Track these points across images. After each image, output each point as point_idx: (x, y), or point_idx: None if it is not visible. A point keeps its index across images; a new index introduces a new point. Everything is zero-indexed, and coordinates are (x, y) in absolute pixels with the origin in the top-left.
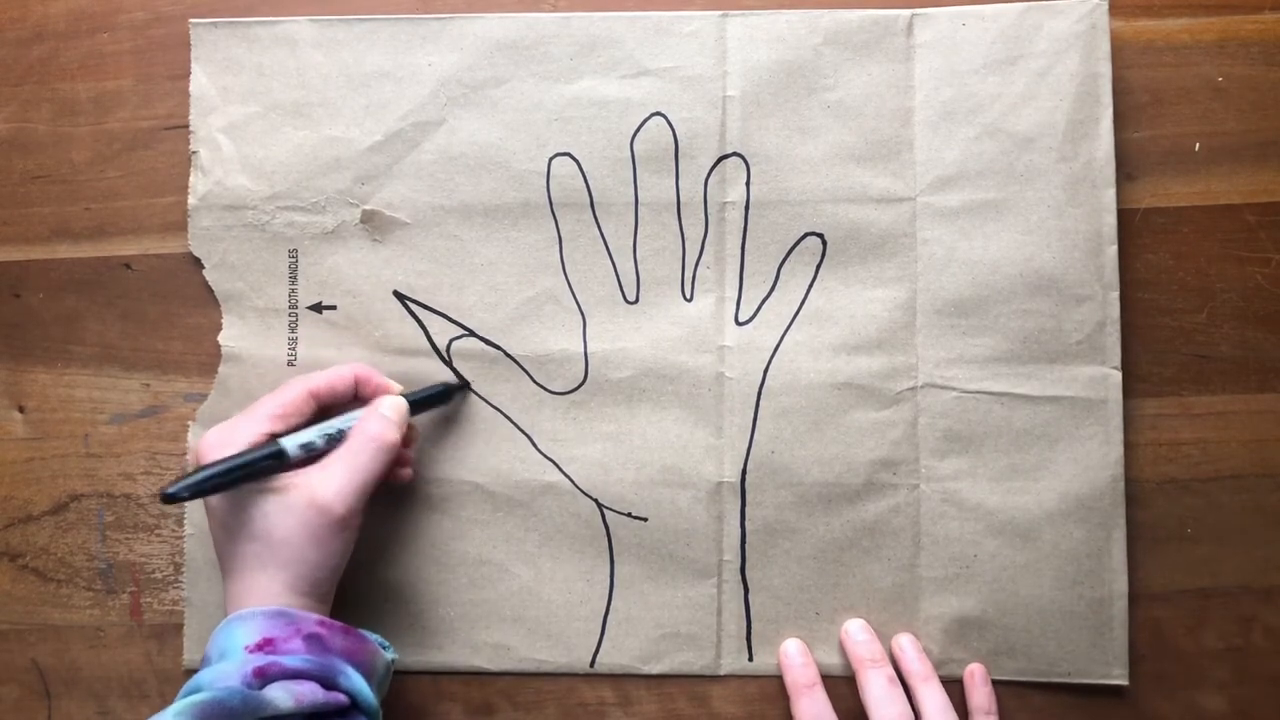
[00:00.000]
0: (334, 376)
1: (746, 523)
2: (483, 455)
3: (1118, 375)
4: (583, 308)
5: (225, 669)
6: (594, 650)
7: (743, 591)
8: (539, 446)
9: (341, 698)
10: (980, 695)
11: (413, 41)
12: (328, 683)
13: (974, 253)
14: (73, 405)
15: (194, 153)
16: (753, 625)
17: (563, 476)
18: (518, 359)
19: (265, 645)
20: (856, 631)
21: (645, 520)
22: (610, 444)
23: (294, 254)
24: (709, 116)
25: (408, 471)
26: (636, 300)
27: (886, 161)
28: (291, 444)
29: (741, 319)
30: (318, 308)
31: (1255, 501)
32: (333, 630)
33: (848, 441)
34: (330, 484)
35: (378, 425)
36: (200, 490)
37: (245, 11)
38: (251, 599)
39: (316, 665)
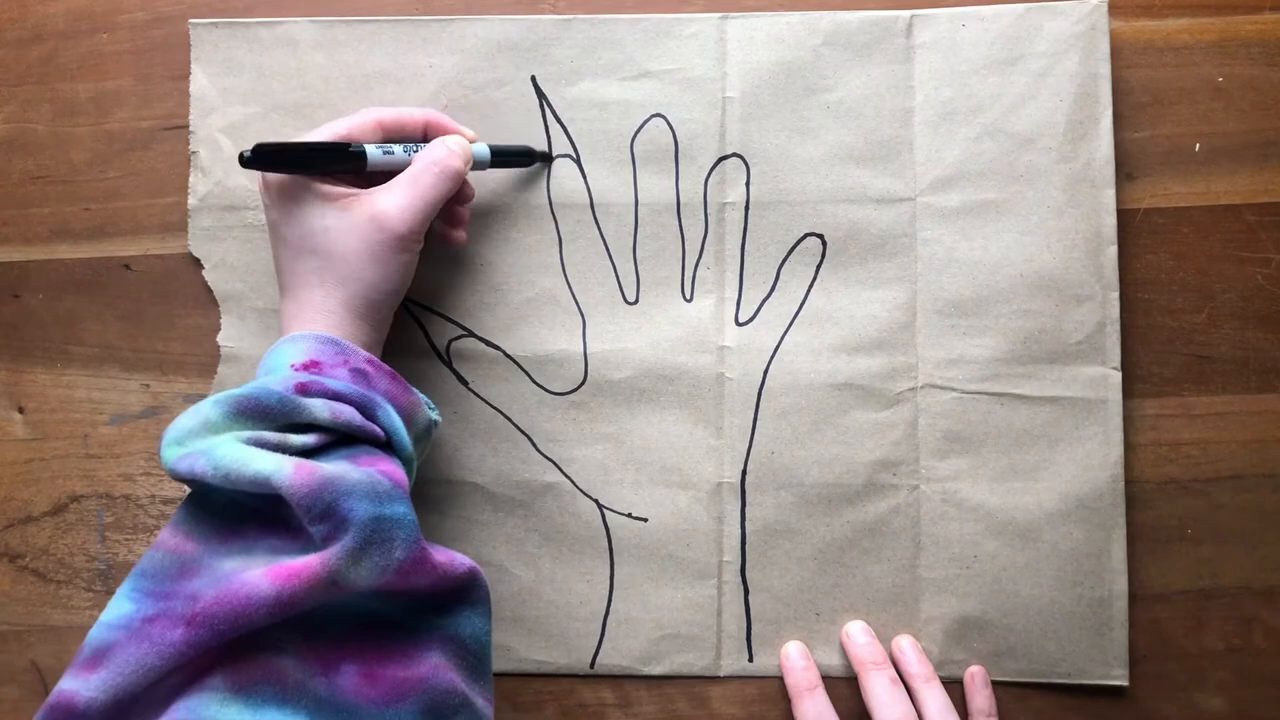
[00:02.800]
0: (404, 113)
1: (746, 523)
2: (483, 456)
3: (1117, 375)
4: (582, 308)
5: (267, 381)
6: (594, 651)
7: (743, 592)
8: (539, 447)
9: (378, 430)
10: (980, 698)
11: (414, 43)
12: (367, 413)
13: (974, 253)
14: (72, 406)
15: (194, 153)
16: (753, 626)
17: (563, 477)
18: (517, 359)
19: (311, 366)
20: (857, 634)
21: (645, 521)
22: (610, 444)
23: None
24: (709, 117)
25: (461, 234)
26: (636, 301)
27: (886, 162)
28: (373, 149)
29: (741, 319)
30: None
31: (1256, 502)
32: (379, 370)
33: (848, 442)
34: (393, 201)
35: (442, 150)
36: (277, 160)
37: (245, 12)
38: (305, 317)
39: (358, 394)
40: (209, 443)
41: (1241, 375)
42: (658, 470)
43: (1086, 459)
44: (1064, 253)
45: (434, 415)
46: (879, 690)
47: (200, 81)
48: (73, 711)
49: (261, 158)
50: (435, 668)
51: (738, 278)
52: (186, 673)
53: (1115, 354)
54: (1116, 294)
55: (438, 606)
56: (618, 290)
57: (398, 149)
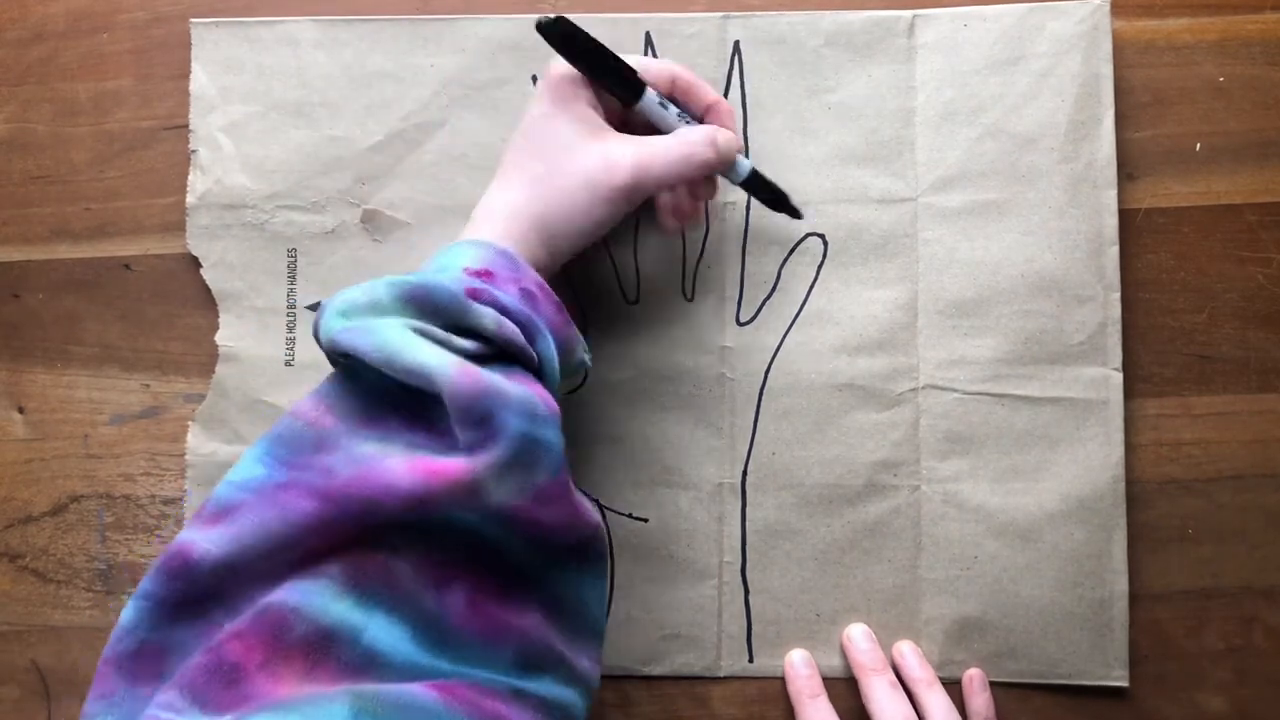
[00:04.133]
0: (701, 84)
1: (747, 524)
2: None
3: (1119, 376)
4: (583, 308)
5: (440, 276)
6: None
7: (743, 593)
8: None
9: (534, 355)
10: (979, 701)
11: (415, 42)
12: (529, 335)
13: (975, 253)
14: (72, 406)
15: (193, 152)
16: (753, 627)
17: None
18: None
19: (484, 275)
20: (859, 639)
21: (646, 521)
22: (611, 444)
23: (293, 253)
24: None
25: (674, 225)
26: (637, 300)
27: (888, 162)
28: (652, 94)
29: (742, 319)
30: (317, 307)
31: (1256, 502)
32: (547, 296)
33: (849, 443)
34: (632, 154)
35: (706, 137)
36: (568, 40)
37: (246, 11)
38: (496, 217)
39: (524, 314)
40: (376, 322)
41: (1242, 375)
42: (658, 470)
43: (1087, 460)
44: (1065, 253)
45: (586, 358)
46: (879, 695)
47: (200, 80)
48: (188, 560)
49: (558, 30)
50: (536, 624)
51: (739, 278)
52: (304, 554)
53: (1116, 355)
54: (1118, 295)
55: (555, 557)
56: (618, 290)
57: (673, 110)
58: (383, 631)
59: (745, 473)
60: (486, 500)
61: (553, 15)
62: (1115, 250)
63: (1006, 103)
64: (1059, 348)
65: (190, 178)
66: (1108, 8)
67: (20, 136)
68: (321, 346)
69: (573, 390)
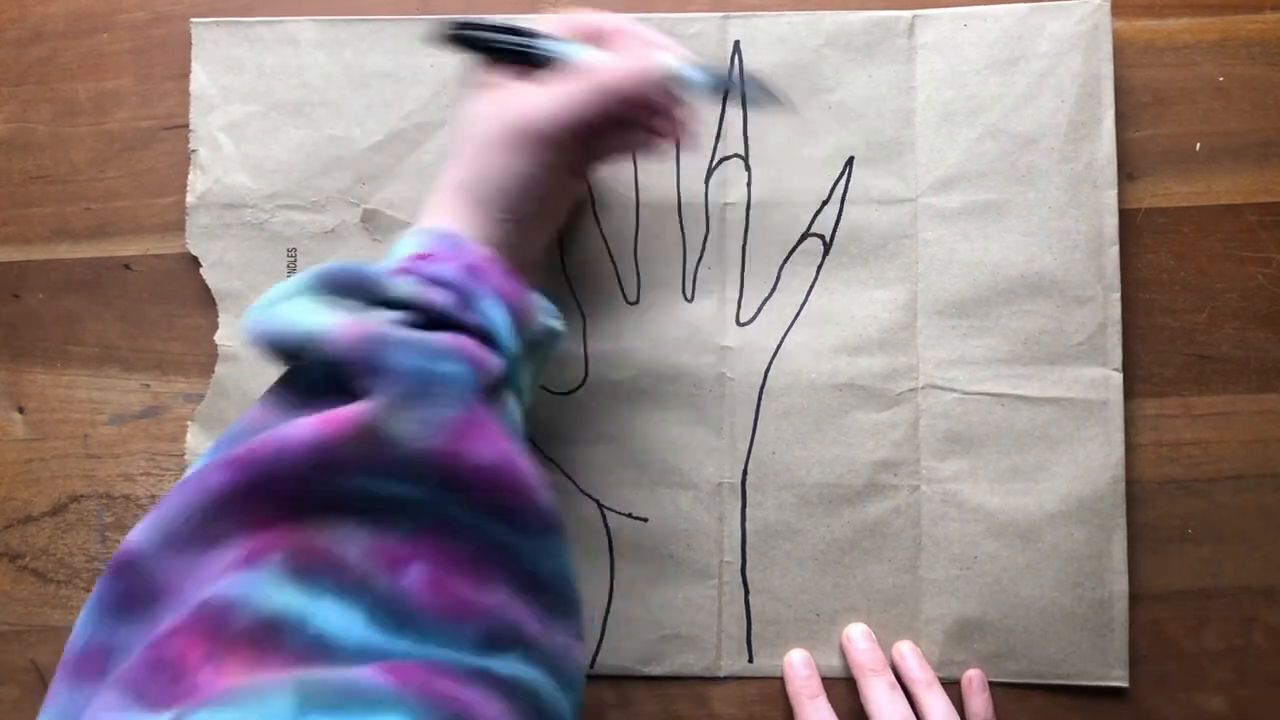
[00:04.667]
0: (606, 18)
1: (747, 524)
2: None
3: (1119, 377)
4: (583, 308)
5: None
6: (594, 651)
7: (743, 593)
8: (539, 446)
9: (476, 320)
10: (978, 702)
11: (414, 42)
12: (466, 300)
13: (975, 254)
14: (72, 406)
15: (193, 151)
16: (753, 627)
17: (563, 476)
18: None
19: (422, 259)
20: (859, 639)
21: (646, 521)
22: (611, 444)
23: (293, 253)
24: (710, 117)
25: (666, 141)
26: (637, 301)
27: (888, 162)
28: (547, 42)
29: (742, 320)
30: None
31: (1256, 502)
32: (494, 266)
33: (848, 442)
34: (535, 96)
35: (608, 62)
36: (477, 43)
37: (246, 11)
38: (437, 207)
39: (458, 281)
40: (284, 304)
41: (1242, 375)
42: (658, 470)
43: (1087, 460)
44: (1065, 254)
45: (555, 324)
46: (878, 696)
47: (200, 80)
48: (125, 555)
49: (447, 30)
50: (503, 601)
51: (739, 278)
52: (249, 550)
53: (1116, 355)
54: (1118, 295)
55: (520, 525)
56: (619, 290)
57: (577, 48)
58: (333, 616)
59: (745, 472)
60: (387, 440)
61: (449, 23)
62: (1115, 250)
63: (1006, 103)
64: (1059, 348)
65: (190, 177)
66: (1108, 7)
67: (20, 136)
68: (252, 346)
69: (572, 390)
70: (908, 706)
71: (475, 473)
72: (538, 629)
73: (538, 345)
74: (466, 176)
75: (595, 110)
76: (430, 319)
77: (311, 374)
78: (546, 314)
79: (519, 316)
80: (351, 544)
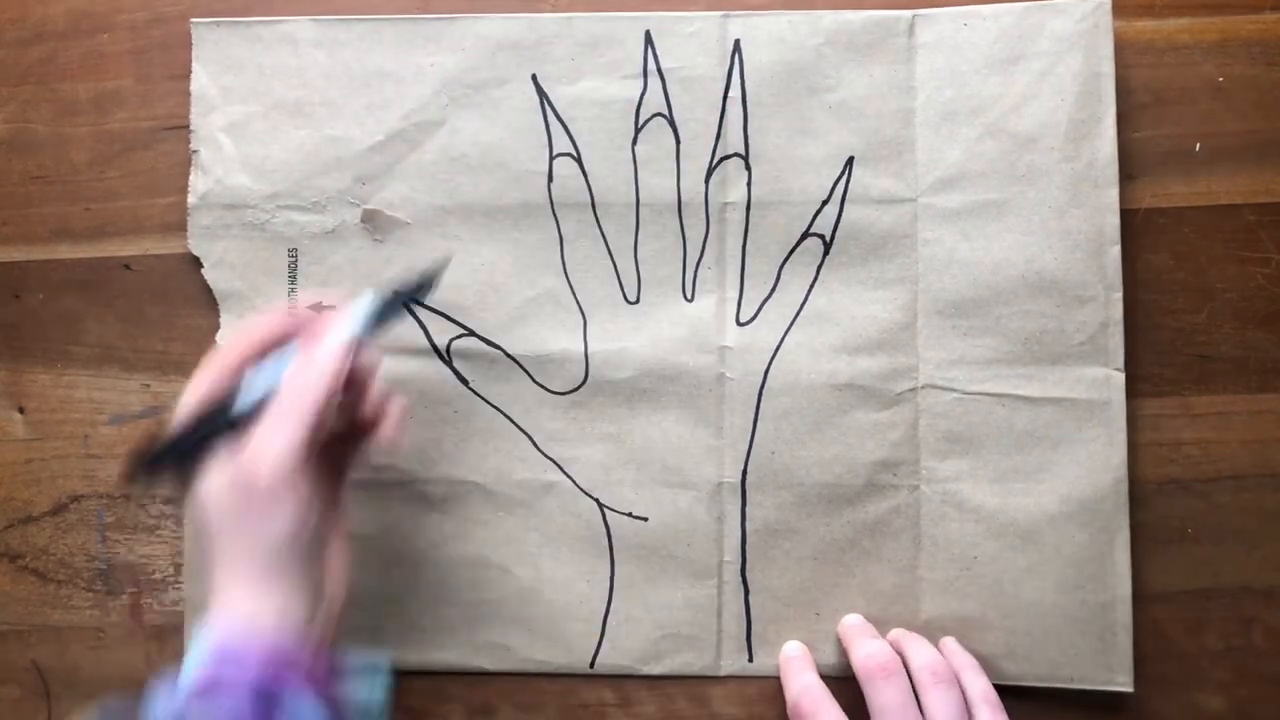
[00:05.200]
0: (260, 328)
1: (747, 523)
2: (483, 455)
3: (1120, 377)
4: (583, 308)
5: (160, 705)
6: (594, 651)
7: (743, 592)
8: (539, 446)
9: None
10: (979, 685)
11: (414, 41)
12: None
13: (975, 253)
14: (72, 406)
15: (194, 152)
16: (753, 626)
17: (563, 476)
18: (518, 359)
19: (209, 690)
20: (861, 643)
21: (646, 520)
22: (611, 444)
23: (294, 253)
24: (710, 117)
25: (389, 433)
26: (637, 300)
27: (888, 162)
28: (243, 400)
29: (742, 319)
30: (317, 307)
31: (1256, 502)
32: (294, 657)
33: (848, 442)
34: (254, 447)
35: (296, 378)
36: (148, 471)
37: (246, 11)
38: (222, 598)
39: (254, 700)
40: None
41: (1242, 375)
42: (658, 470)
43: (1089, 461)
44: (1066, 253)
45: (379, 686)
46: (880, 692)
47: (201, 80)
48: None
49: (151, 466)
50: None
51: (739, 278)
52: None
53: (1118, 355)
54: (1119, 295)
55: None
56: (619, 290)
57: (265, 376)
58: None
59: (745, 472)
60: None
61: (138, 468)
62: (1117, 250)
63: (1007, 102)
64: (1060, 348)
65: (191, 178)
66: (1108, 6)
67: (20, 136)
68: None
69: (573, 390)
70: (888, 645)
71: None
72: None
73: (370, 709)
74: (237, 557)
75: (315, 425)
76: None
77: None
78: (368, 675)
79: (332, 701)
80: None
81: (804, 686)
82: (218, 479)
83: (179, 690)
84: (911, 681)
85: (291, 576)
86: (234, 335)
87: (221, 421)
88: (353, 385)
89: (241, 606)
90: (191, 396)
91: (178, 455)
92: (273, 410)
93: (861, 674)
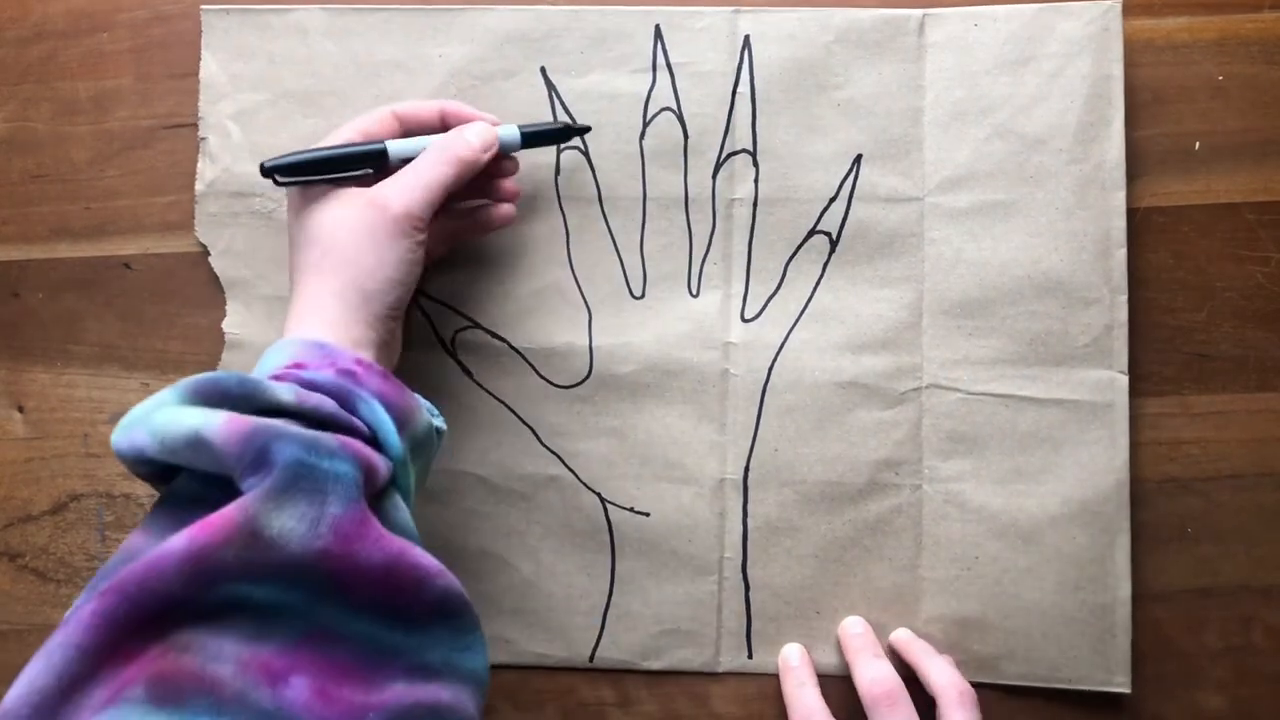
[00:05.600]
0: (419, 105)
1: (748, 520)
2: (485, 447)
3: (1124, 379)
4: (589, 302)
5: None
6: (593, 645)
7: (743, 589)
8: (542, 440)
9: (359, 423)
10: (948, 672)
11: (424, 32)
12: (346, 405)
13: (982, 254)
14: (72, 405)
15: (202, 139)
16: (753, 623)
17: (566, 470)
18: (522, 352)
19: (295, 368)
20: (853, 625)
21: (647, 515)
22: (614, 438)
23: None
24: (719, 112)
25: (507, 209)
26: (643, 295)
27: (896, 161)
28: (394, 144)
29: (747, 316)
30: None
31: (1255, 501)
32: (370, 370)
33: (851, 440)
34: (393, 184)
35: (453, 137)
36: (294, 169)
37: (254, 0)
38: (301, 316)
39: (335, 385)
40: (154, 414)
41: (1241, 374)
42: (661, 465)
43: (1091, 463)
44: (1072, 255)
45: (437, 422)
46: (863, 664)
47: (210, 68)
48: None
49: (283, 170)
50: (401, 693)
51: (744, 274)
52: (112, 688)
53: (1122, 357)
54: (1124, 297)
55: (414, 623)
56: (624, 284)
57: (416, 141)
58: None
59: (747, 469)
60: (268, 541)
61: (267, 163)
62: (1123, 253)
63: (1015, 103)
64: (1064, 349)
65: (199, 165)
66: (1119, 9)
67: (20, 136)
68: (124, 463)
69: (576, 384)
70: (892, 668)
71: (364, 573)
72: (442, 696)
73: (421, 445)
74: (333, 284)
75: (448, 183)
76: (312, 424)
77: (190, 487)
78: (428, 412)
79: (401, 418)
80: (224, 661)
81: (808, 712)
82: (345, 208)
83: (264, 368)
84: (925, 698)
85: (382, 312)
86: (386, 106)
87: (366, 154)
88: (488, 179)
89: (322, 327)
90: (342, 133)
91: (319, 165)
92: (419, 160)
93: (866, 700)
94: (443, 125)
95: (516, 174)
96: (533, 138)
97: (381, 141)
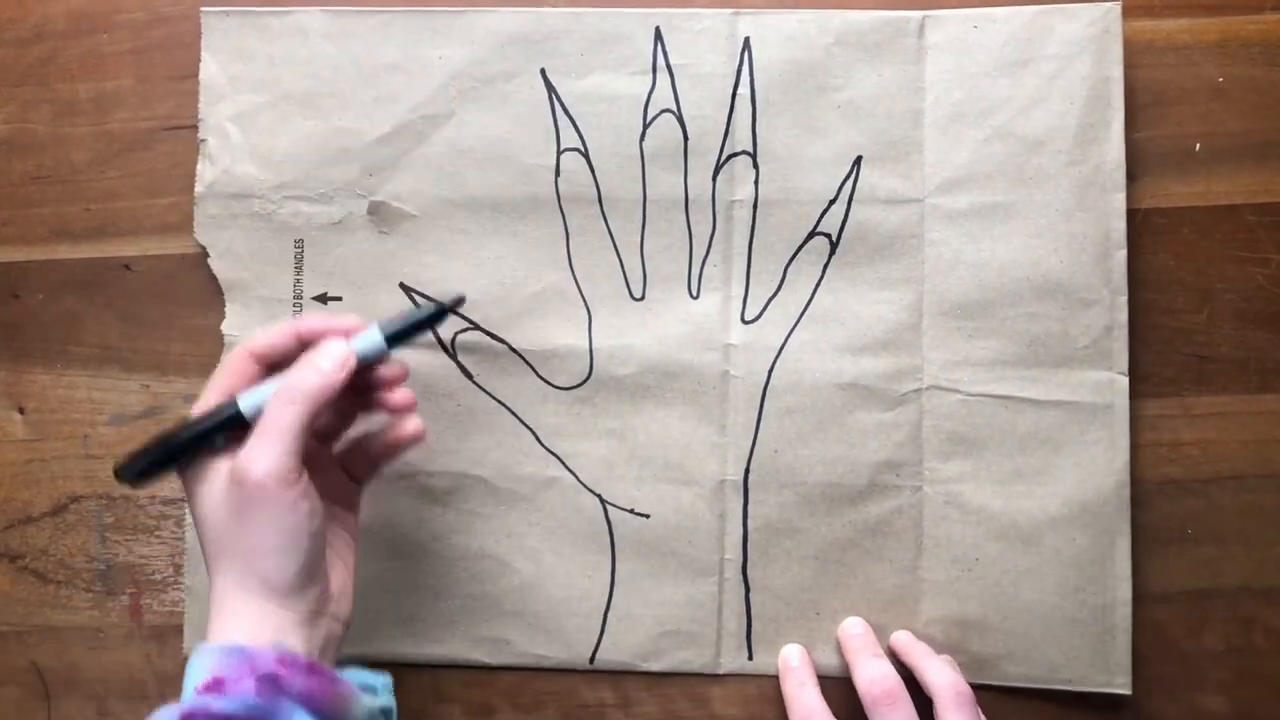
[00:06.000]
0: (273, 334)
1: (749, 521)
2: (486, 449)
3: (1124, 380)
4: (589, 303)
5: (162, 716)
6: (594, 646)
7: (743, 590)
8: (542, 441)
9: None
10: (947, 674)
11: (423, 34)
12: None
13: (981, 255)
14: (72, 406)
15: (202, 141)
16: (753, 624)
17: (566, 472)
18: (523, 353)
19: (214, 686)
20: (853, 625)
21: (647, 517)
22: (614, 440)
23: (300, 244)
24: (719, 114)
25: (414, 427)
26: (643, 297)
27: (896, 162)
28: (246, 400)
29: (748, 317)
30: (322, 298)
31: (1256, 502)
32: (294, 668)
33: (851, 442)
34: (247, 446)
35: (297, 371)
36: (148, 469)
37: (255, 1)
38: (216, 613)
39: (252, 709)
40: None
41: (1242, 375)
42: (661, 466)
43: (1092, 464)
44: (1072, 256)
45: (381, 700)
46: (863, 664)
47: (210, 69)
48: None
49: (137, 472)
50: None
51: (744, 275)
52: None
53: (1123, 359)
54: (1124, 298)
55: None
56: (624, 286)
57: (268, 384)
58: None
59: (748, 470)
60: None
61: (123, 463)
62: (1123, 254)
63: (1015, 105)
64: (1064, 351)
65: (199, 167)
66: (1118, 11)
67: (20, 136)
68: None
69: (576, 385)
70: (892, 668)
71: None
72: None
73: None
74: (232, 574)
75: (303, 423)
76: None
77: None
78: (374, 690)
79: (332, 712)
80: None
81: (808, 712)
82: (212, 486)
83: (186, 690)
84: (925, 698)
85: (289, 589)
86: (240, 347)
87: (218, 426)
88: (364, 394)
89: (238, 627)
90: (199, 406)
91: (168, 456)
92: (266, 409)
93: (866, 699)
94: (301, 349)
95: (406, 379)
96: (400, 335)
97: (233, 401)
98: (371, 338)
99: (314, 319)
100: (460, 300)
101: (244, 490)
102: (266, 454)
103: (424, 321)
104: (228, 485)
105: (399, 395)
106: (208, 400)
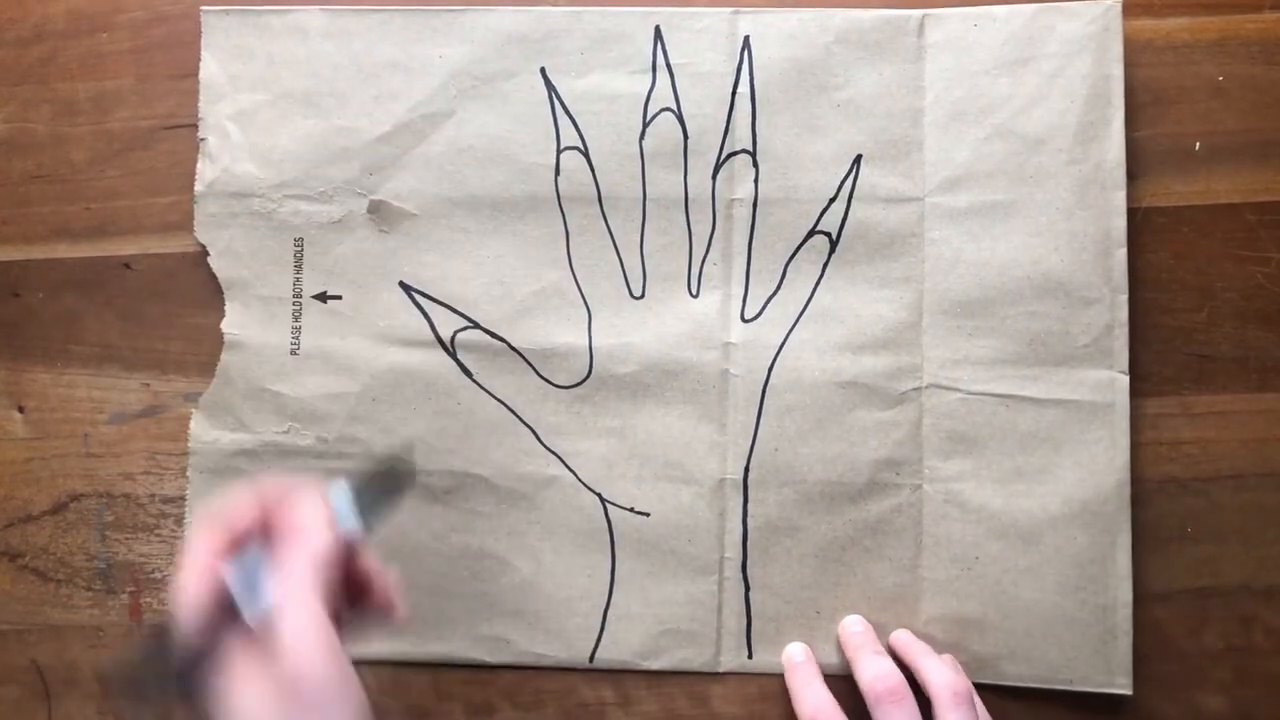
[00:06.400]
0: (233, 520)
1: (749, 520)
2: (486, 448)
3: (1125, 379)
4: (588, 302)
5: None
6: (594, 645)
7: (743, 589)
8: (542, 440)
9: None
10: (947, 673)
11: (424, 33)
12: None
13: (982, 254)
14: (72, 405)
15: (202, 140)
16: (753, 623)
17: (566, 470)
18: (522, 352)
19: None
20: (853, 623)
21: (647, 515)
22: (613, 439)
23: (300, 243)
24: (719, 113)
25: (397, 611)
26: (643, 295)
27: (896, 161)
28: (246, 601)
29: (747, 316)
30: (322, 297)
31: (1256, 501)
32: None
33: (851, 440)
34: (292, 654)
35: (303, 540)
36: (147, 689)
37: (254, 1)
38: None
39: None
40: None
41: (1242, 374)
42: (660, 465)
43: (1092, 463)
44: (1072, 255)
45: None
46: (865, 661)
47: (210, 68)
48: None
49: (131, 691)
50: None
51: (744, 274)
52: None
53: (1123, 357)
54: (1125, 297)
55: None
56: (624, 284)
57: (251, 576)
58: None
59: (747, 469)
60: None
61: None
62: (1123, 253)
63: (1015, 103)
64: (1064, 349)
65: (199, 166)
66: (1119, 9)
67: (20, 136)
68: None
69: (576, 384)
70: (894, 665)
71: None
72: None
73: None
74: None
75: (332, 596)
76: None
77: None
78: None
79: None
80: None
81: (816, 707)
82: (252, 692)
83: None
84: (925, 698)
85: None
86: (201, 532)
87: (223, 633)
88: (344, 572)
89: None
90: (181, 610)
91: (179, 675)
92: (286, 599)
93: (869, 697)
94: (268, 525)
95: (386, 578)
96: (370, 496)
97: (216, 615)
98: (339, 502)
99: (268, 487)
100: (411, 473)
101: (301, 701)
102: (315, 651)
103: (393, 479)
104: (275, 699)
105: (383, 596)
106: (186, 604)
